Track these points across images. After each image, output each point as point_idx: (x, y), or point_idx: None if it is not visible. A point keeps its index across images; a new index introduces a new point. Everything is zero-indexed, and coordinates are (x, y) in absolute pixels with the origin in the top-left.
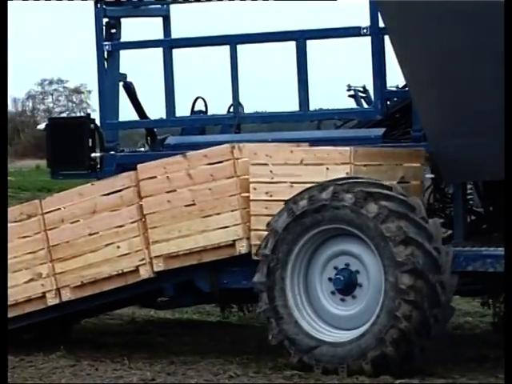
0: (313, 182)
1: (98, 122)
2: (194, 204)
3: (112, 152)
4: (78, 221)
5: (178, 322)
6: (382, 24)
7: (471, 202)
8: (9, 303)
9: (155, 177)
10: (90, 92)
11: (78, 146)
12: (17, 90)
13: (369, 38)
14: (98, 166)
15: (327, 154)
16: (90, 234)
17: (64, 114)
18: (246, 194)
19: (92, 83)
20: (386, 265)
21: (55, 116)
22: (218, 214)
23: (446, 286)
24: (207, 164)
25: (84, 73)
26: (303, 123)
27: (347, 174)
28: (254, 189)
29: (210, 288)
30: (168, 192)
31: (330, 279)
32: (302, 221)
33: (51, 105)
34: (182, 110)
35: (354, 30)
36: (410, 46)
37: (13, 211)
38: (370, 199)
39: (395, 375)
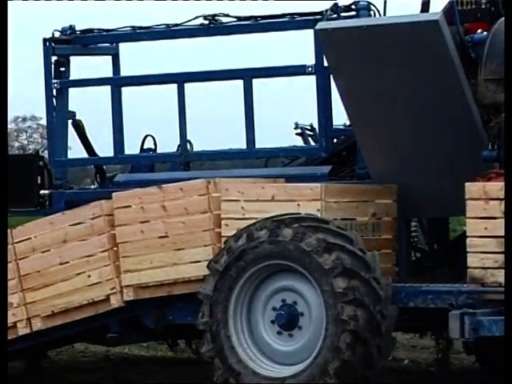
0: None
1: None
2: (167, 236)
3: (61, 189)
4: (49, 250)
5: (153, 359)
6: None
7: (416, 239)
8: None
9: (130, 206)
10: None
11: (27, 183)
12: None
13: (314, 77)
14: (47, 203)
15: (298, 190)
16: (61, 263)
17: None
18: (219, 230)
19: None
20: (326, 297)
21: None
22: (191, 247)
23: (387, 316)
24: (182, 197)
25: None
26: (254, 161)
27: (318, 210)
28: (226, 225)
29: (155, 324)
30: (142, 222)
31: (273, 309)
32: (241, 259)
33: (25, 142)
34: (133, 147)
35: (299, 69)
36: (350, 83)
37: None
38: (308, 233)
39: None
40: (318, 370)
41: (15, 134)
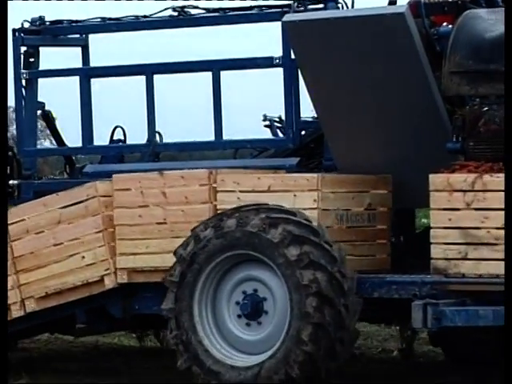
0: None
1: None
2: (165, 223)
3: (29, 179)
4: (43, 231)
5: (142, 350)
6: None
7: None
8: None
9: (129, 189)
10: (55, 119)
11: None
12: None
13: (281, 69)
14: (16, 193)
15: (294, 180)
16: (55, 245)
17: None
18: None
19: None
20: (290, 289)
21: None
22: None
23: (351, 309)
24: (183, 186)
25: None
26: (223, 152)
27: (315, 200)
28: None
29: (121, 314)
30: (141, 206)
31: (237, 303)
32: (207, 248)
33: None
34: (104, 139)
35: (266, 61)
36: (317, 72)
37: None
38: (275, 224)
39: None
40: (292, 342)
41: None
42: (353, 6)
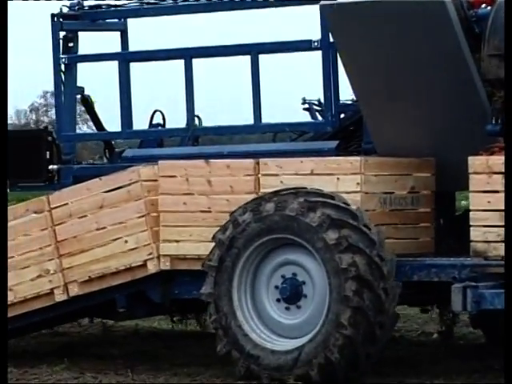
0: None
1: None
2: (209, 211)
3: (69, 164)
4: (86, 215)
5: (182, 334)
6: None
7: None
8: (17, 300)
9: (175, 176)
10: (94, 103)
11: (36, 159)
12: (19, 101)
13: (320, 52)
14: (56, 178)
15: (337, 164)
16: (98, 229)
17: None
18: None
19: (94, 94)
20: (329, 272)
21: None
22: None
23: (390, 293)
24: (229, 175)
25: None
26: (262, 136)
27: (358, 184)
28: None
29: (161, 299)
30: (185, 194)
31: (276, 288)
32: (246, 232)
33: (54, 117)
34: (143, 123)
35: (304, 44)
36: (355, 55)
37: (18, 208)
38: (313, 208)
39: (342, 382)
40: (331, 326)
41: (44, 108)
42: None
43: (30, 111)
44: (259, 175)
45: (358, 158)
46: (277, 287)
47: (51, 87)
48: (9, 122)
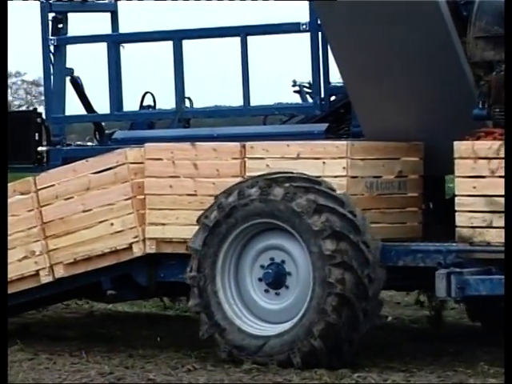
0: None
1: None
2: (195, 195)
3: (58, 146)
4: (72, 197)
5: (137, 316)
6: None
7: None
8: None
9: (161, 159)
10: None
11: (25, 140)
12: None
13: (308, 34)
14: (45, 160)
15: (324, 147)
16: (84, 211)
17: (23, 108)
18: None
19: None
20: (314, 258)
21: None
22: None
23: (374, 280)
24: (215, 158)
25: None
26: (252, 118)
27: (344, 168)
28: None
29: (146, 282)
30: (171, 177)
31: (262, 268)
32: (231, 215)
33: (10, 98)
34: (134, 105)
35: (293, 26)
36: (343, 42)
37: None
38: (299, 193)
39: (324, 368)
40: (302, 331)
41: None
42: None
43: None
44: (245, 158)
45: (344, 141)
46: (262, 267)
47: (39, 70)
48: None
